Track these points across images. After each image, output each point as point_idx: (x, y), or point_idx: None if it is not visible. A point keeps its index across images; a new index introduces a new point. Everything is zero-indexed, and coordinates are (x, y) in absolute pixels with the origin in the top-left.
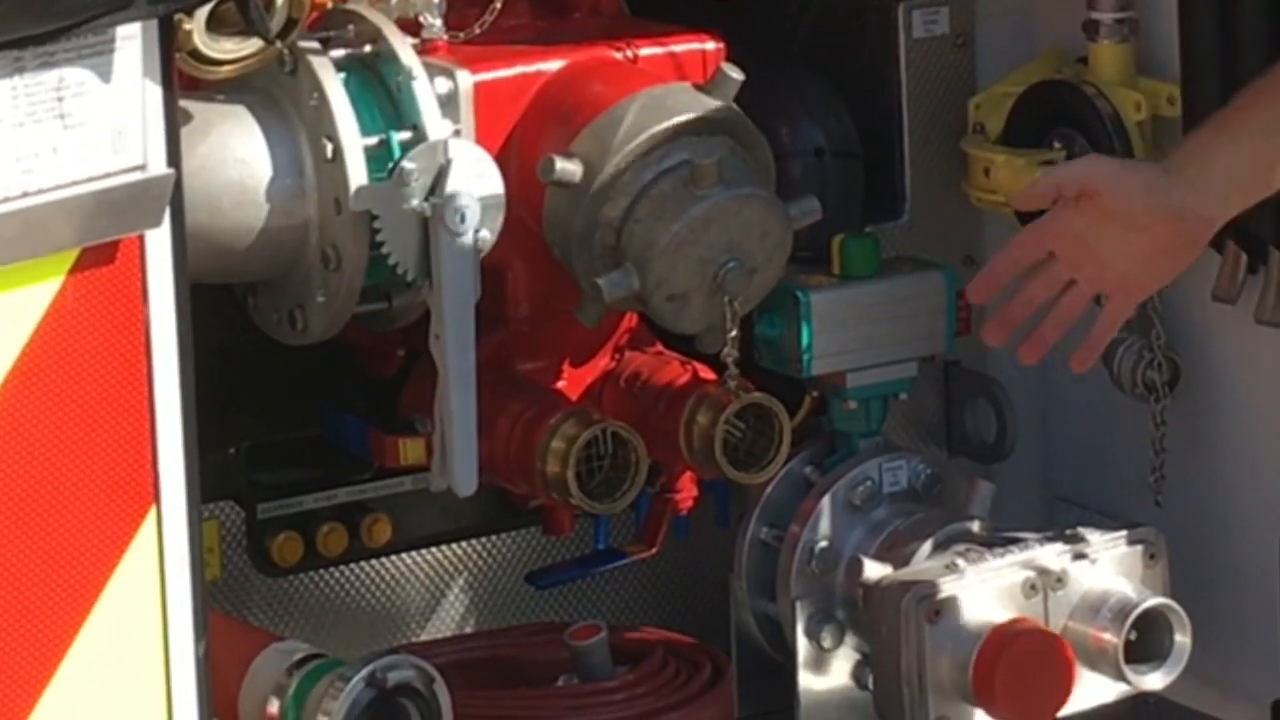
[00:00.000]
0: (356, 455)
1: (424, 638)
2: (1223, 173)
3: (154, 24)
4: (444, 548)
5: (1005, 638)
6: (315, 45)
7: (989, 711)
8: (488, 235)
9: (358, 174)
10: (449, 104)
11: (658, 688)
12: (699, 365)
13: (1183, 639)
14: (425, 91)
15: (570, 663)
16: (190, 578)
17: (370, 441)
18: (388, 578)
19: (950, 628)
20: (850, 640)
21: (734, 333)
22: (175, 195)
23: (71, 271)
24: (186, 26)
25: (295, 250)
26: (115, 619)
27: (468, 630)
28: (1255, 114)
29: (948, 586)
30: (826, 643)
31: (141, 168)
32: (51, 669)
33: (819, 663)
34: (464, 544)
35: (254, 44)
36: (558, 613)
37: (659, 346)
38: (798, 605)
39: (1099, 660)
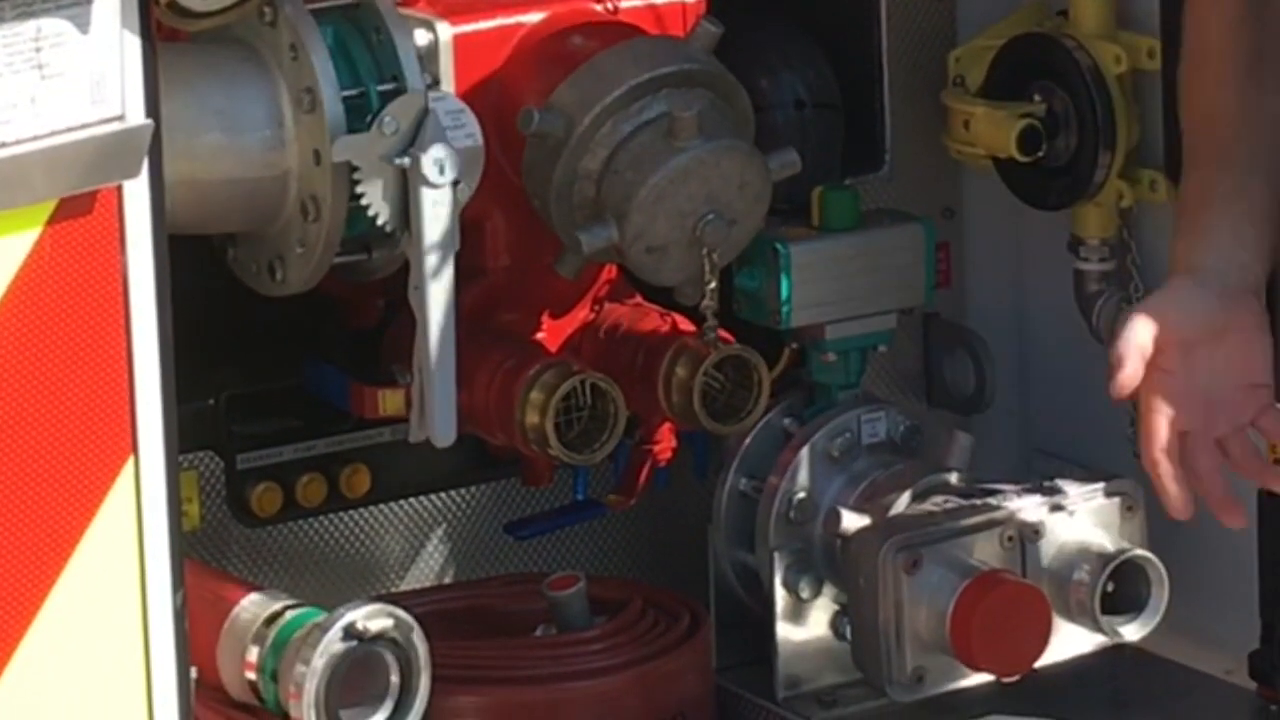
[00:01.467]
0: (336, 406)
1: (403, 588)
2: (1230, 243)
3: None
4: (423, 498)
5: (982, 589)
6: None
7: (966, 662)
8: (467, 187)
9: (337, 125)
10: (429, 56)
11: (636, 638)
12: (678, 317)
13: (1160, 590)
14: (405, 43)
15: (548, 613)
16: (168, 528)
17: (350, 392)
18: (366, 528)
19: (928, 579)
20: (828, 591)
21: (713, 285)
22: (154, 146)
23: (49, 222)
24: None
25: (274, 201)
26: (92, 569)
27: (446, 580)
28: (1221, 187)
29: (926, 538)
30: (804, 593)
31: (120, 118)
32: (28, 620)
33: (797, 613)
34: (443, 495)
35: None
36: (536, 563)
37: (638, 298)
38: (776, 556)
39: (1076, 611)
